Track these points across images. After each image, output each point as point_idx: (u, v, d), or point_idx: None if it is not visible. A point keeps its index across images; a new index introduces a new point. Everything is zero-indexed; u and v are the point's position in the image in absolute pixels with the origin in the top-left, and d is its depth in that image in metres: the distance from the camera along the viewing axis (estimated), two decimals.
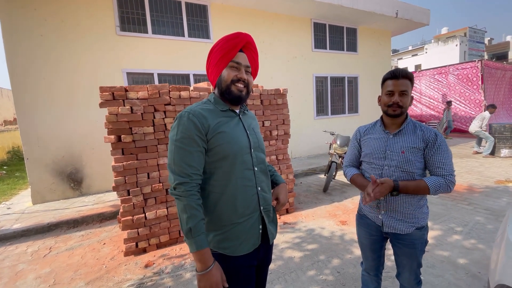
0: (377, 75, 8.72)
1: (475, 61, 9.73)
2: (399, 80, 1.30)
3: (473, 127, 6.94)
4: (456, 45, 34.89)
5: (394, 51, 47.11)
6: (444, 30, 44.58)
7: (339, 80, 8.12)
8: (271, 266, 2.44)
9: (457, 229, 2.96)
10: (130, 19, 5.08)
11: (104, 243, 3.11)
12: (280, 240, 2.92)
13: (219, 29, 5.98)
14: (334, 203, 4.02)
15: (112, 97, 2.66)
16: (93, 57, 4.79)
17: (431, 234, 2.87)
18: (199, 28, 5.81)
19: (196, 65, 5.68)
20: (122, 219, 2.77)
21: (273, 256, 2.58)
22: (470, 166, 5.78)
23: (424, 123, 6.97)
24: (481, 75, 9.32)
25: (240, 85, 1.08)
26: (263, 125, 3.59)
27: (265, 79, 6.28)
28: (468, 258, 2.39)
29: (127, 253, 2.77)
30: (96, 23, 4.79)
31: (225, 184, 1.05)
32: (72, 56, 4.64)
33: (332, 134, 5.09)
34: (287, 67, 7.05)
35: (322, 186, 4.86)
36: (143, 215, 2.80)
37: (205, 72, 5.78)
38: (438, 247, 2.62)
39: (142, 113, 2.74)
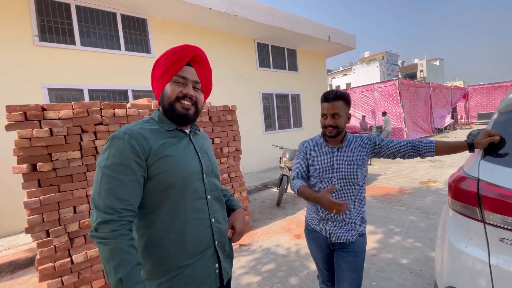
0: (316, 92, 9.51)
1: (393, 79, 11.49)
2: (330, 103, 1.35)
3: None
4: (377, 66, 41.03)
5: (328, 71, 52.80)
6: (366, 54, 52.01)
7: (284, 97, 8.54)
8: None
9: (396, 230, 3.23)
10: (53, 29, 4.45)
11: None
12: (236, 265, 2.73)
13: (161, 44, 5.69)
14: (288, 217, 4.02)
15: (24, 117, 2.18)
16: (2, 70, 3.99)
17: (375, 238, 3.06)
18: (138, 42, 5.44)
19: (135, 80, 5.25)
20: (40, 267, 2.22)
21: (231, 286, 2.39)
22: (399, 171, 6.57)
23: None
24: (399, 91, 11.00)
25: (187, 103, 0.94)
26: (213, 143, 3.43)
27: (212, 96, 6.16)
28: (410, 258, 2.59)
29: None
30: (6, 30, 4.04)
31: (171, 219, 0.87)
32: None
33: (281, 148, 5.21)
34: (234, 84, 7.10)
35: (275, 200, 4.85)
36: (69, 259, 2.29)
37: (145, 88, 5.38)
38: (383, 249, 2.79)
39: (65, 136, 2.31)
